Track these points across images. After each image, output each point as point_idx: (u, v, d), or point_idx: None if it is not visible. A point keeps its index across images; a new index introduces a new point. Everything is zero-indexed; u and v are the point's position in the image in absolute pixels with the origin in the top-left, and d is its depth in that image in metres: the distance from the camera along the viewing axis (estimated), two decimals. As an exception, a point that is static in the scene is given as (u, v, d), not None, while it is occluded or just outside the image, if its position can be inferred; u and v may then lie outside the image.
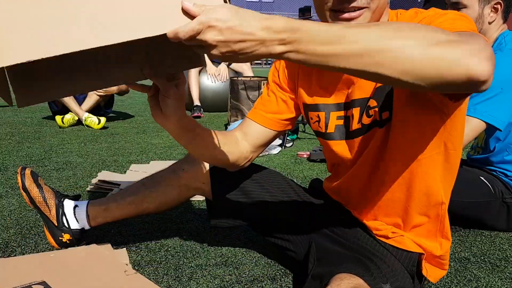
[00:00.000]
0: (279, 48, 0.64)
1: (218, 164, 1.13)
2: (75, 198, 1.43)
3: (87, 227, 1.38)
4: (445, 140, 0.94)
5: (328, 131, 1.06)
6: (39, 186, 1.39)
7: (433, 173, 0.97)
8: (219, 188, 1.25)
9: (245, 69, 4.89)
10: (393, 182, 0.99)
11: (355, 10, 0.84)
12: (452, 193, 1.43)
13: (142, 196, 1.34)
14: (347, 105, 1.01)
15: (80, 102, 3.74)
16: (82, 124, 3.67)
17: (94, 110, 3.83)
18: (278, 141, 2.98)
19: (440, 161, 0.97)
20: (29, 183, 1.38)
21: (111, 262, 1.26)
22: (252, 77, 3.92)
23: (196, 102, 4.58)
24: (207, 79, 4.75)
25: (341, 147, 1.05)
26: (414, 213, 1.01)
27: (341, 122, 1.03)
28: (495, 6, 1.48)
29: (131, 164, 2.45)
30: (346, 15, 0.85)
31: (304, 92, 1.09)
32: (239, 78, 3.68)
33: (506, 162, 1.52)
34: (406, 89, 0.88)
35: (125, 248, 1.36)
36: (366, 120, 0.97)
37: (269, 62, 24.37)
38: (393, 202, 1.01)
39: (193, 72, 4.62)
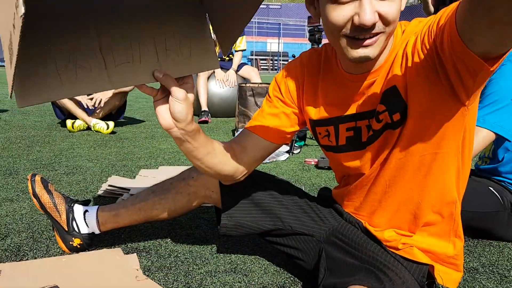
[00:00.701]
0: None
1: (214, 176, 1.13)
2: (85, 203, 1.45)
3: (97, 232, 1.39)
4: (462, 135, 0.95)
5: (340, 143, 1.07)
6: (49, 192, 1.41)
7: (449, 169, 0.97)
8: (228, 196, 1.27)
9: (253, 75, 4.92)
10: (409, 179, 0.99)
11: (371, 37, 0.85)
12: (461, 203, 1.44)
13: (152, 202, 1.36)
14: (356, 116, 1.02)
15: (89, 114, 3.78)
16: (91, 129, 3.71)
17: (105, 117, 3.88)
18: (285, 148, 2.99)
19: (456, 157, 0.96)
20: (39, 189, 1.40)
21: (121, 267, 1.28)
22: (260, 83, 3.94)
23: (204, 107, 4.61)
24: (216, 85, 4.77)
25: (353, 158, 1.06)
26: (427, 210, 1.00)
27: (351, 133, 1.04)
28: None
29: (140, 169, 2.47)
30: (365, 42, 0.85)
31: (310, 107, 1.10)
32: (247, 85, 3.70)
33: (515, 173, 1.53)
34: (423, 79, 0.89)
35: (135, 254, 1.37)
36: (376, 126, 0.98)
37: (276, 68, 24.43)
38: (407, 200, 1.01)
39: (201, 78, 4.66)
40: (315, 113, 1.09)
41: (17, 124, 3.94)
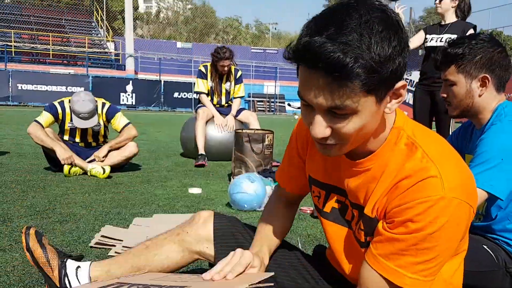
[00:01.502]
0: None
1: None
2: (78, 258, 1.43)
3: (89, 288, 1.37)
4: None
5: (324, 209, 1.08)
6: (42, 246, 1.39)
7: None
8: (223, 253, 1.26)
9: (252, 120, 4.99)
10: None
11: (327, 144, 0.85)
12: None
13: (145, 259, 1.34)
14: (347, 193, 1.02)
15: (84, 158, 3.80)
16: (87, 173, 3.71)
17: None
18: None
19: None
20: (33, 243, 1.39)
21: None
22: (257, 129, 3.99)
23: (201, 151, 4.65)
24: (214, 129, 4.83)
25: (333, 229, 1.07)
26: None
27: (338, 205, 1.05)
28: (482, 80, 1.53)
29: (134, 217, 2.46)
30: (322, 146, 0.87)
31: (311, 164, 1.12)
32: (244, 131, 3.74)
33: (508, 231, 1.53)
34: None
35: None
36: (357, 234, 0.99)
37: (272, 110, 24.75)
38: None
39: (200, 122, 4.72)
40: (314, 171, 1.11)
41: (14, 167, 3.94)
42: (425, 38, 3.91)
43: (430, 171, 0.82)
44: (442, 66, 1.58)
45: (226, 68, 4.89)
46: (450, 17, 3.78)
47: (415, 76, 20.37)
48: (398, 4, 3.70)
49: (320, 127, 0.81)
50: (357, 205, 0.98)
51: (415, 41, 3.93)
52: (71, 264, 1.38)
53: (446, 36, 3.76)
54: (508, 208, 1.52)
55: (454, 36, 3.71)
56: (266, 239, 1.21)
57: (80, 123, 3.69)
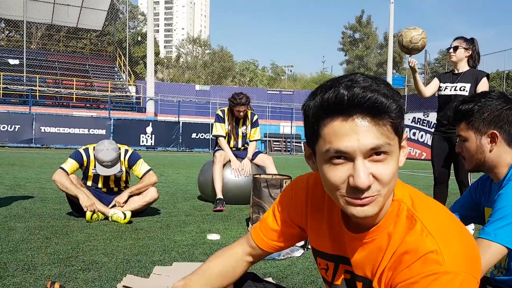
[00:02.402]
0: None
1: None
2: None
3: None
4: None
5: (335, 282, 1.07)
6: None
7: None
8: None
9: (268, 164, 5.04)
10: None
11: (367, 197, 0.85)
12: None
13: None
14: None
15: (106, 203, 3.89)
16: (108, 219, 3.78)
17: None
18: (300, 242, 2.99)
19: None
20: None
21: None
22: (274, 174, 4.03)
23: (219, 195, 4.68)
24: (231, 173, 4.89)
25: None
26: None
27: (348, 276, 1.04)
28: (491, 136, 1.56)
29: (155, 265, 2.48)
30: (362, 201, 0.85)
31: (314, 235, 1.11)
32: (262, 176, 3.79)
33: (531, 285, 1.51)
34: None
35: None
36: None
37: (289, 149, 24.84)
38: None
39: (217, 165, 4.79)
40: (319, 243, 1.10)
41: (37, 212, 4.03)
42: (440, 86, 3.97)
43: (430, 246, 0.84)
44: (455, 122, 1.64)
45: (242, 114, 5.01)
46: (463, 66, 3.85)
47: (432, 117, 20.39)
48: (411, 59, 3.78)
49: (365, 174, 0.82)
50: (365, 278, 0.98)
51: (430, 89, 3.98)
52: (95, 318, 1.40)
53: (460, 85, 3.82)
54: (529, 262, 1.51)
55: (468, 85, 3.76)
56: (204, 276, 1.19)
57: (103, 171, 3.80)
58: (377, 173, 0.84)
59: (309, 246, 3.03)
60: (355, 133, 0.82)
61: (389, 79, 27.22)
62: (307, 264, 2.68)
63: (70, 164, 3.80)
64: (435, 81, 3.99)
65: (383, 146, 0.83)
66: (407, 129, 22.93)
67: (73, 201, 3.81)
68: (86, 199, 3.68)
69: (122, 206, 3.84)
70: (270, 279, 2.29)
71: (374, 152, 0.83)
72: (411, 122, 22.71)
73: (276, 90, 34.28)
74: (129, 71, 29.32)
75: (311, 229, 1.12)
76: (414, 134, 22.55)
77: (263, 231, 1.19)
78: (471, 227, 3.80)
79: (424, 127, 21.67)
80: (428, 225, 0.88)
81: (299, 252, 2.87)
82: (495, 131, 1.55)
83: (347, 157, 0.84)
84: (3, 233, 3.14)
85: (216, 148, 5.14)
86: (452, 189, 4.30)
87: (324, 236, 1.08)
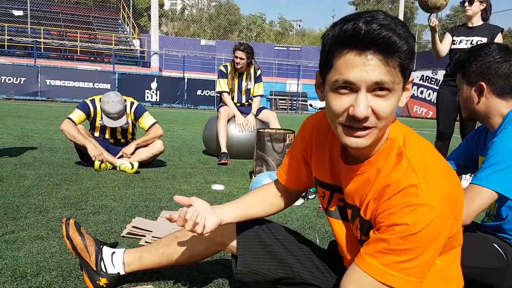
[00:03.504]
0: None
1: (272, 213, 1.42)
2: (113, 245, 1.57)
3: (122, 272, 1.51)
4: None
5: (329, 208, 1.18)
6: (81, 234, 1.54)
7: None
8: (244, 245, 1.37)
9: (272, 119, 5.08)
10: None
11: (364, 129, 0.92)
12: (466, 259, 1.51)
13: (174, 248, 1.47)
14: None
15: (114, 154, 3.99)
16: (116, 168, 3.89)
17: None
18: (301, 193, 3.08)
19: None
20: (73, 231, 1.54)
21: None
22: (278, 129, 4.08)
23: (224, 149, 4.77)
24: (235, 129, 4.95)
25: (338, 226, 1.16)
26: None
27: (341, 204, 1.14)
28: (479, 87, 1.60)
29: (162, 210, 2.60)
30: (357, 133, 0.93)
31: (316, 166, 1.22)
32: (266, 130, 3.85)
33: (519, 231, 1.59)
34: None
35: (156, 296, 1.48)
36: (355, 232, 1.08)
37: (294, 108, 24.77)
38: None
39: (221, 120, 4.84)
40: (319, 173, 1.21)
41: (46, 161, 4.15)
42: (453, 40, 3.91)
43: (411, 180, 0.91)
44: (454, 72, 1.68)
45: (241, 61, 4.95)
46: (477, 20, 3.80)
47: (441, 75, 20.09)
48: (432, 18, 3.71)
49: (364, 106, 0.89)
50: (354, 206, 1.07)
51: (446, 47, 3.91)
52: (106, 251, 1.51)
53: (476, 39, 3.77)
54: (518, 209, 1.58)
55: (485, 39, 3.72)
56: (239, 206, 1.37)
57: (109, 123, 3.87)
58: (377, 107, 0.90)
59: (309, 196, 3.13)
60: (364, 66, 0.88)
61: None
62: (306, 211, 2.78)
63: (78, 115, 3.87)
64: (448, 37, 3.93)
65: (387, 83, 0.89)
66: (415, 87, 22.70)
67: (81, 150, 3.91)
68: (94, 149, 3.77)
69: (129, 157, 3.94)
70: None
71: (378, 87, 0.90)
72: (419, 80, 22.44)
73: (283, 46, 33.71)
74: (133, 23, 28.80)
75: (315, 160, 1.23)
76: (421, 92, 22.35)
77: (283, 169, 1.37)
78: (467, 179, 3.89)
79: (432, 85, 21.41)
80: (413, 162, 0.95)
81: (299, 202, 2.97)
82: (482, 83, 1.59)
83: (353, 88, 0.90)
84: (14, 179, 3.25)
85: (221, 104, 5.17)
86: (453, 145, 4.34)
87: (325, 167, 1.18)
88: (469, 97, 1.64)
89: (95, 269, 1.50)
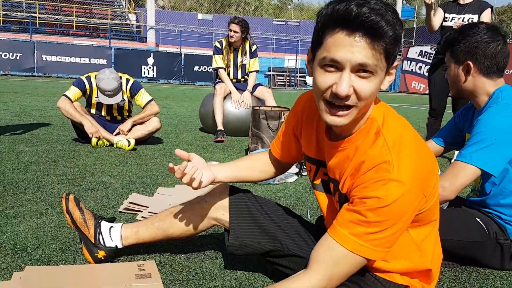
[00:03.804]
0: None
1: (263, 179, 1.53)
2: (111, 220, 1.63)
3: (119, 246, 1.57)
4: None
5: (314, 182, 1.26)
6: (80, 209, 1.59)
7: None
8: (236, 219, 1.44)
9: (267, 96, 5.10)
10: None
11: (345, 109, 0.98)
12: (449, 232, 1.58)
13: (169, 223, 1.53)
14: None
15: (110, 131, 4.02)
16: (113, 145, 3.93)
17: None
18: (294, 169, 3.14)
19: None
20: (72, 206, 1.59)
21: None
22: (273, 107, 4.11)
23: (220, 127, 4.80)
24: (231, 105, 4.97)
25: (322, 198, 1.24)
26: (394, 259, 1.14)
27: (325, 178, 1.22)
28: (466, 66, 1.65)
29: (158, 187, 2.65)
30: (338, 113, 0.99)
31: (305, 141, 1.29)
32: (261, 108, 3.88)
33: (501, 206, 1.65)
34: None
35: (153, 261, 1.54)
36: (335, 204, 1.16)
37: (293, 84, 24.67)
38: None
39: (217, 98, 4.86)
40: (307, 149, 1.28)
41: (43, 138, 4.18)
42: (444, 17, 3.90)
43: (384, 157, 0.98)
44: (443, 50, 1.71)
45: (235, 34, 4.92)
46: None
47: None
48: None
49: (347, 84, 0.94)
50: (334, 180, 1.14)
51: (437, 21, 3.91)
52: (105, 225, 1.57)
53: (467, 17, 3.77)
54: (501, 185, 1.64)
55: (475, 16, 3.72)
56: (233, 168, 1.47)
57: (105, 100, 3.89)
58: (359, 87, 0.96)
59: (303, 173, 3.19)
60: (351, 47, 0.93)
61: (399, 9, 26.28)
62: (299, 188, 2.85)
63: (73, 92, 3.88)
64: (440, 12, 3.92)
65: (370, 66, 0.94)
66: (413, 63, 22.57)
67: (78, 127, 3.94)
68: (91, 126, 3.80)
69: (126, 134, 3.97)
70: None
71: (362, 69, 0.94)
72: (418, 56, 22.29)
73: (281, 21, 33.24)
74: (129, -2, 28.36)
75: (304, 137, 1.30)
76: (420, 68, 22.23)
77: (277, 142, 1.45)
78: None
79: (430, 61, 21.32)
80: (389, 141, 1.01)
81: (292, 178, 3.03)
82: (469, 62, 1.63)
83: (338, 67, 0.95)
84: (12, 156, 3.30)
85: (217, 80, 5.17)
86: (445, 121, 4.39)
87: (312, 143, 1.26)
88: (457, 76, 1.68)
89: (93, 242, 1.56)
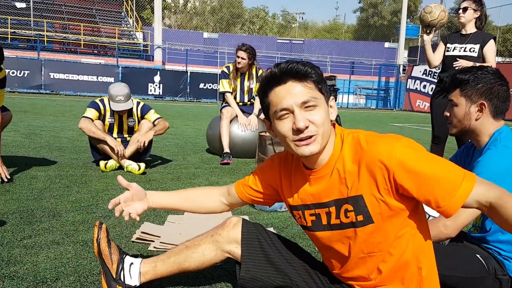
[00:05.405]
0: None
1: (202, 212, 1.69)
2: (134, 256, 1.70)
3: (137, 284, 1.63)
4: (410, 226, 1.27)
5: (307, 225, 1.40)
6: (109, 241, 1.66)
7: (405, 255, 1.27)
8: (248, 253, 1.51)
9: (274, 119, 5.20)
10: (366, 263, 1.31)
11: (310, 138, 1.20)
12: (449, 269, 1.65)
13: (185, 256, 1.61)
14: (314, 206, 1.35)
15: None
16: (123, 169, 4.02)
17: (134, 155, 4.19)
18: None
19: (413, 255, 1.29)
20: (103, 237, 1.65)
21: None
22: (280, 131, 4.20)
23: (226, 149, 4.90)
24: (238, 128, 5.08)
25: (320, 235, 1.37)
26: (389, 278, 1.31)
27: (313, 218, 1.36)
28: (480, 105, 1.73)
29: (168, 214, 2.73)
30: (305, 142, 1.21)
31: (287, 193, 1.44)
32: (267, 134, 3.97)
33: (501, 242, 1.72)
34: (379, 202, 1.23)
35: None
36: (344, 219, 1.29)
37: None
38: (369, 272, 1.32)
39: (224, 121, 4.97)
40: (291, 200, 1.42)
41: (55, 162, 4.28)
42: (447, 47, 3.99)
43: (367, 132, 1.27)
44: (449, 88, 1.80)
45: (242, 61, 5.09)
46: (471, 27, 3.87)
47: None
48: (427, 36, 3.88)
49: (303, 118, 1.19)
50: (322, 204, 1.31)
51: (438, 57, 4.00)
52: (127, 261, 1.65)
53: (469, 46, 3.85)
54: (500, 223, 1.70)
55: (477, 46, 3.81)
56: (176, 198, 1.67)
57: (116, 107, 4.06)
58: (311, 118, 1.21)
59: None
60: (290, 93, 1.21)
61: (403, 28, 26.57)
62: (293, 220, 2.91)
63: (91, 112, 4.06)
64: (441, 46, 4.02)
65: (311, 100, 1.21)
66: (417, 81, 22.70)
67: (96, 147, 4.09)
68: (114, 141, 3.97)
69: (144, 147, 4.06)
70: (271, 229, 2.54)
71: (305, 105, 1.20)
72: (422, 75, 22.45)
73: (286, 39, 33.63)
74: (136, 16, 28.84)
75: (284, 187, 1.45)
76: (424, 87, 22.36)
77: (243, 184, 1.59)
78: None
79: (434, 80, 21.43)
80: (368, 133, 1.26)
81: (285, 207, 3.09)
82: (484, 102, 1.72)
83: (289, 111, 1.21)
84: (26, 181, 3.40)
85: (224, 104, 5.29)
86: (448, 146, 4.45)
87: (292, 192, 1.41)
88: (468, 114, 1.76)
89: (114, 276, 1.62)
